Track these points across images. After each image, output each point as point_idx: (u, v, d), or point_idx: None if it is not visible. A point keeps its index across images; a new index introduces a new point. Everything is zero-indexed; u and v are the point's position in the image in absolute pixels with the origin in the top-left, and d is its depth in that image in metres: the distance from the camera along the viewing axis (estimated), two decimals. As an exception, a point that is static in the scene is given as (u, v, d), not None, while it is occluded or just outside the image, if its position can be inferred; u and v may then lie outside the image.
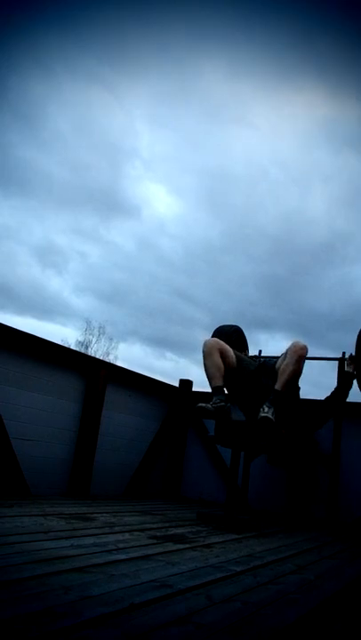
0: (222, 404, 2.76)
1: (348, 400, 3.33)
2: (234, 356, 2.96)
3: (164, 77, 25.01)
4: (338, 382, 3.19)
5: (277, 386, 2.75)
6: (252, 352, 3.61)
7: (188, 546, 1.88)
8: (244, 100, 26.46)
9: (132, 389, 3.84)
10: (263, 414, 2.63)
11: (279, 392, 2.74)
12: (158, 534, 2.08)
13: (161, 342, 31.49)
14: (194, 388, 4.25)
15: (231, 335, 3.48)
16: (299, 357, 2.75)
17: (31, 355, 3.03)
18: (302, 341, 2.83)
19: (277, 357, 3.11)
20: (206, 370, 2.88)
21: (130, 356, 28.18)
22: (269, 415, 2.62)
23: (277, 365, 2.89)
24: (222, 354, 2.89)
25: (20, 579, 1.16)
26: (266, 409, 2.66)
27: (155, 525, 2.33)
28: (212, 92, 25.74)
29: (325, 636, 1.10)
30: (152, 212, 30.58)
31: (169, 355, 30.50)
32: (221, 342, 2.95)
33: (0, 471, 2.76)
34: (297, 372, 2.78)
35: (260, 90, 24.80)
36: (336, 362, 3.31)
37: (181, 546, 1.86)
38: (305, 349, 2.78)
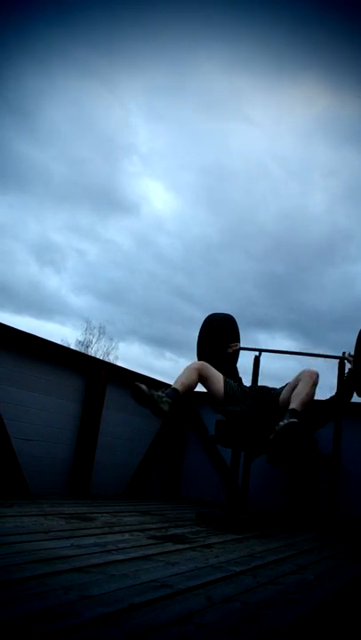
0: (162, 394, 2.62)
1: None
2: (222, 388, 2.89)
3: (161, 71, 24.93)
4: (339, 382, 3.18)
5: (294, 405, 2.61)
6: (251, 352, 3.59)
7: (187, 546, 1.88)
8: (242, 95, 26.41)
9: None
10: (285, 422, 2.46)
11: (297, 411, 2.60)
12: (158, 534, 2.08)
13: (160, 342, 31.52)
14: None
15: (222, 324, 3.46)
16: (314, 383, 2.69)
17: (31, 354, 3.03)
18: (312, 368, 2.79)
19: (266, 386, 3.07)
20: (179, 374, 2.82)
21: (129, 355, 28.21)
22: (294, 419, 2.47)
23: (282, 397, 2.80)
24: (205, 378, 2.87)
25: (21, 578, 1.16)
26: (286, 421, 2.50)
27: (154, 525, 2.33)
28: (210, 87, 25.67)
29: (325, 636, 1.10)
30: (150, 208, 30.53)
31: (168, 354, 30.50)
32: (211, 369, 2.89)
33: (0, 471, 2.76)
34: (312, 396, 2.70)
35: (259, 84, 24.71)
36: (336, 361, 3.31)
37: (181, 546, 1.86)
38: (318, 375, 2.74)
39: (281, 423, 2.47)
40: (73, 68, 22.63)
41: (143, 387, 2.60)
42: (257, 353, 3.57)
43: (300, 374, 2.76)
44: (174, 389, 2.72)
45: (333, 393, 3.20)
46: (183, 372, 2.82)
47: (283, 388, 2.89)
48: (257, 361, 3.54)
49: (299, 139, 28.96)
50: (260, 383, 3.48)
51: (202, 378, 2.87)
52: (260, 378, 3.53)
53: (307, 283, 29.91)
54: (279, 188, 29.12)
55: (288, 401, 2.70)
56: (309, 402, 2.68)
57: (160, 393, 2.65)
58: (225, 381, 2.94)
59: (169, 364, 27.66)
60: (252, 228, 30.39)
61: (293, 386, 2.74)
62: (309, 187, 29.45)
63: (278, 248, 30.23)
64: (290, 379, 2.94)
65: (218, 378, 2.92)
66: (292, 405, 2.62)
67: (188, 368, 2.84)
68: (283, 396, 2.81)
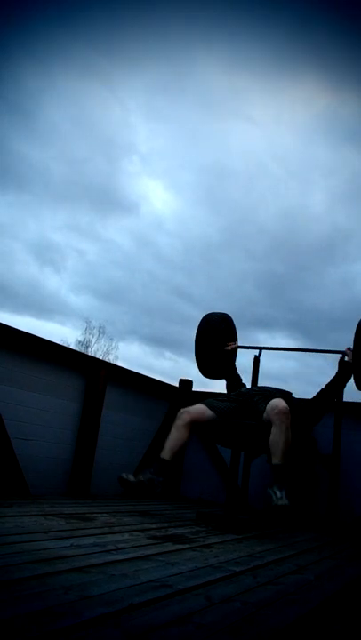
0: (150, 476, 2.66)
1: (349, 400, 3.33)
2: (210, 412, 2.85)
3: (160, 70, 24.70)
4: (336, 373, 3.18)
5: (275, 460, 2.55)
6: (251, 352, 3.59)
7: (187, 546, 1.88)
8: (242, 94, 26.23)
9: (133, 389, 3.84)
10: (279, 503, 2.40)
11: (280, 465, 2.54)
12: (158, 534, 2.08)
13: (160, 341, 31.48)
14: (194, 388, 4.24)
15: (220, 324, 3.47)
16: (286, 427, 2.58)
17: (32, 354, 3.03)
18: (281, 401, 2.65)
19: (263, 387, 3.03)
20: (167, 438, 2.81)
21: (128, 355, 28.17)
22: (285, 502, 2.40)
23: (265, 415, 2.68)
24: (197, 423, 2.82)
25: (20, 578, 1.16)
26: (278, 493, 2.43)
27: (154, 525, 2.33)
28: (210, 86, 25.50)
29: (325, 636, 1.10)
30: (150, 208, 30.37)
31: (168, 354, 30.47)
32: (198, 412, 2.83)
33: (0, 471, 2.76)
34: (289, 441, 2.59)
35: (259, 83, 24.56)
36: (336, 359, 3.31)
37: (181, 546, 1.86)
38: (288, 414, 2.60)
39: (274, 500, 2.41)
40: (72, 67, 22.54)
41: (130, 477, 2.62)
42: (256, 352, 3.57)
43: (270, 411, 2.64)
44: (163, 462, 2.72)
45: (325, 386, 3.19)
46: (172, 434, 2.79)
47: (268, 399, 2.79)
48: (257, 361, 3.54)
49: (299, 138, 28.83)
50: (260, 383, 3.49)
51: (194, 425, 2.82)
52: (260, 377, 3.53)
53: (307, 282, 29.87)
54: (279, 187, 29.00)
55: (270, 421, 2.63)
56: (288, 447, 2.59)
57: (149, 475, 2.66)
58: (208, 405, 2.88)
59: (169, 364, 27.62)
60: (251, 228, 30.29)
61: (270, 413, 2.64)
62: (309, 186, 29.35)
63: (278, 248, 30.15)
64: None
65: (201, 410, 2.85)
66: (275, 460, 2.55)
67: (176, 427, 2.80)
68: (265, 415, 2.70)
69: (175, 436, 2.79)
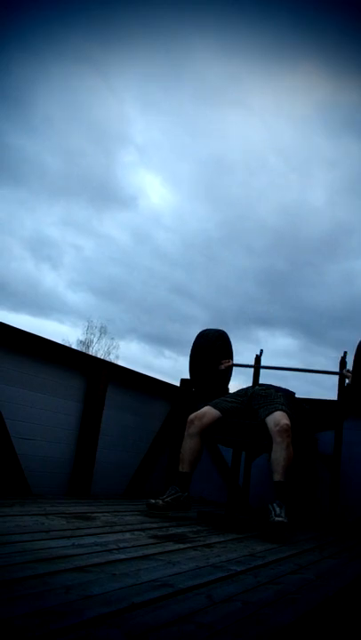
0: (178, 494, 2.71)
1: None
2: (218, 412, 2.88)
3: (155, 59, 24.11)
4: (339, 396, 3.20)
5: (277, 477, 2.56)
6: (252, 351, 3.59)
7: (188, 545, 1.88)
8: (240, 82, 25.66)
9: (134, 389, 3.84)
10: (277, 519, 2.36)
11: (282, 482, 2.55)
12: (159, 534, 2.08)
13: (159, 340, 31.39)
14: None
15: (215, 341, 3.45)
16: (288, 444, 2.58)
17: (33, 354, 3.03)
18: (283, 417, 2.65)
19: (269, 385, 3.05)
20: (182, 449, 2.84)
21: (128, 353, 28.12)
22: (283, 519, 2.38)
23: (268, 426, 2.69)
24: (207, 429, 2.85)
25: (21, 578, 1.16)
26: (277, 510, 2.43)
27: (155, 525, 2.33)
28: (207, 74, 24.97)
29: (325, 636, 1.10)
30: (147, 202, 30.04)
31: (167, 353, 30.39)
32: (207, 416, 2.86)
33: (1, 470, 2.76)
34: (291, 457, 2.59)
35: (257, 71, 23.99)
36: (337, 361, 3.31)
37: (182, 545, 1.86)
38: (289, 430, 2.61)
39: (272, 516, 2.40)
40: (67, 57, 22.12)
41: (158, 503, 2.66)
42: (258, 352, 3.58)
43: (271, 428, 2.65)
44: (184, 476, 2.78)
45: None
46: (186, 444, 2.84)
47: (270, 405, 2.81)
48: (258, 361, 3.54)
49: (298, 128, 28.20)
50: (261, 382, 3.49)
51: (205, 431, 2.85)
52: (261, 377, 3.53)
53: (308, 279, 29.65)
54: (279, 180, 28.55)
55: (270, 432, 2.65)
56: (290, 463, 2.60)
57: (173, 492, 2.71)
58: (213, 405, 2.92)
59: (168, 363, 27.54)
60: (251, 223, 29.88)
61: (272, 430, 2.65)
62: (309, 179, 28.92)
63: (279, 243, 29.84)
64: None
65: (209, 413, 2.88)
66: (276, 477, 2.57)
67: (189, 435, 2.85)
68: (269, 425, 2.70)
69: (190, 446, 2.83)
